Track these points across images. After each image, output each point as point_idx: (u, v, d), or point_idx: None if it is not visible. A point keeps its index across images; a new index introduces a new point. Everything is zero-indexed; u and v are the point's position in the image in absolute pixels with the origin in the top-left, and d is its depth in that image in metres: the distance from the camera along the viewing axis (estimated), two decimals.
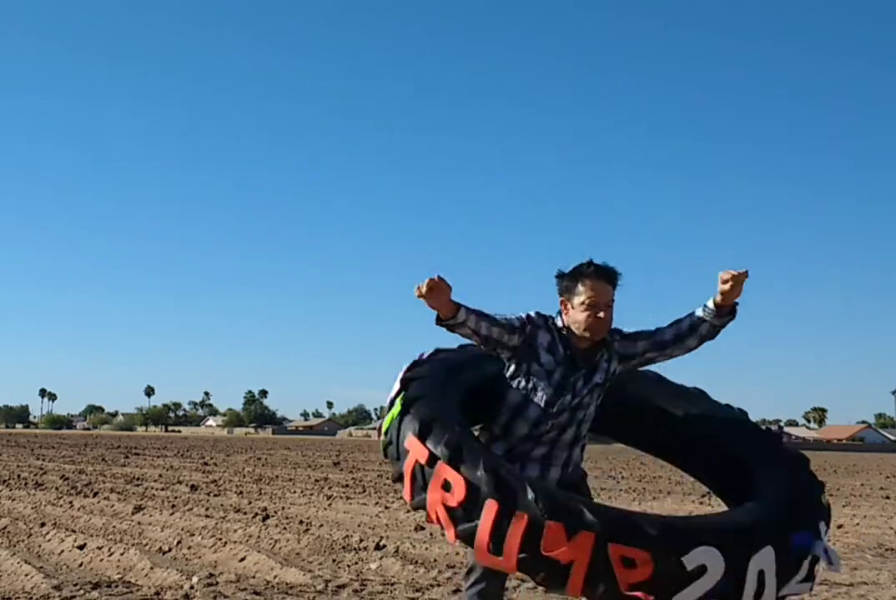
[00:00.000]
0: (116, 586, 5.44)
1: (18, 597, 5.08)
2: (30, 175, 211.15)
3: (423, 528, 8.74)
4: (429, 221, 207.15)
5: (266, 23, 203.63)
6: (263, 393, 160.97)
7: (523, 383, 3.35)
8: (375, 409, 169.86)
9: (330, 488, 14.07)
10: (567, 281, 3.38)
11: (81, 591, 5.22)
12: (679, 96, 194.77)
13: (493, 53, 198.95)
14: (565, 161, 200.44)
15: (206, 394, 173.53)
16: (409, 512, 10.20)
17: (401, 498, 12.11)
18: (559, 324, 3.40)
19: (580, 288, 3.32)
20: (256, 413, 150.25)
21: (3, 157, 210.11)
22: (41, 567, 6.05)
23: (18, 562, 6.12)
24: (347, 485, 14.83)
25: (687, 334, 3.35)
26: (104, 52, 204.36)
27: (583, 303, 3.31)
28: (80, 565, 6.52)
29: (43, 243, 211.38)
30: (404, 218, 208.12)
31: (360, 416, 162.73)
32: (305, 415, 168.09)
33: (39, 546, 7.32)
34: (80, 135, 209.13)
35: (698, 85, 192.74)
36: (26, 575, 5.76)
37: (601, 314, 3.30)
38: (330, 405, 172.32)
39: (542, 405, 3.32)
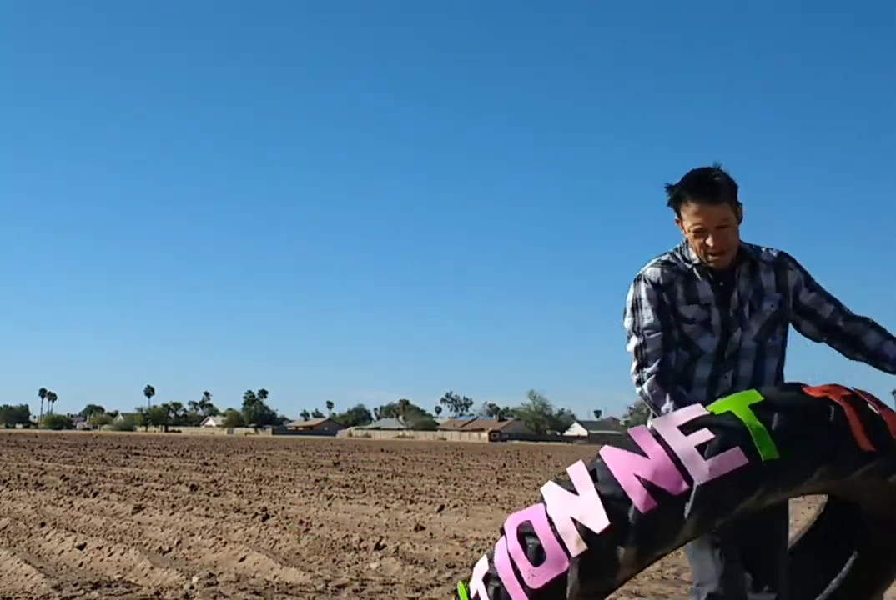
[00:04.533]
0: (116, 586, 5.44)
1: (18, 597, 5.08)
2: (30, 177, 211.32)
3: (422, 528, 8.74)
4: (427, 224, 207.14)
5: (266, 34, 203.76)
6: (263, 393, 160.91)
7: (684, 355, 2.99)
8: (375, 409, 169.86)
9: (330, 488, 14.07)
10: (671, 200, 2.96)
11: (81, 591, 5.22)
12: (681, 110, 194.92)
13: (498, 69, 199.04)
14: (566, 172, 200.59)
15: (206, 394, 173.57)
16: (408, 512, 10.20)
17: (401, 497, 12.11)
18: (688, 252, 3.00)
19: (684, 213, 2.93)
20: (256, 413, 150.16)
21: (4, 161, 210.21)
22: (41, 567, 6.05)
23: (18, 562, 6.12)
24: (347, 485, 14.82)
25: (861, 343, 3.03)
26: (100, 61, 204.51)
27: (690, 229, 2.92)
28: (80, 565, 6.52)
29: (42, 244, 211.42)
30: (403, 221, 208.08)
31: (359, 416, 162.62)
32: (305, 415, 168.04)
33: (39, 546, 7.32)
34: (81, 141, 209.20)
35: (699, 100, 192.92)
36: (26, 575, 5.76)
37: (709, 241, 2.88)
38: (330, 405, 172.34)
39: (710, 364, 2.97)
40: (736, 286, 2.97)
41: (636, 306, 3.00)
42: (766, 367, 3.00)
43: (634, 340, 2.98)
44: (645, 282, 3.00)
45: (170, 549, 7.20)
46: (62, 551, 7.00)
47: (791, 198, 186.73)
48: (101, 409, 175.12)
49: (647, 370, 2.98)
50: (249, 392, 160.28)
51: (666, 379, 2.95)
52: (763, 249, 3.04)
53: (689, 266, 3.00)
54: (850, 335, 3.06)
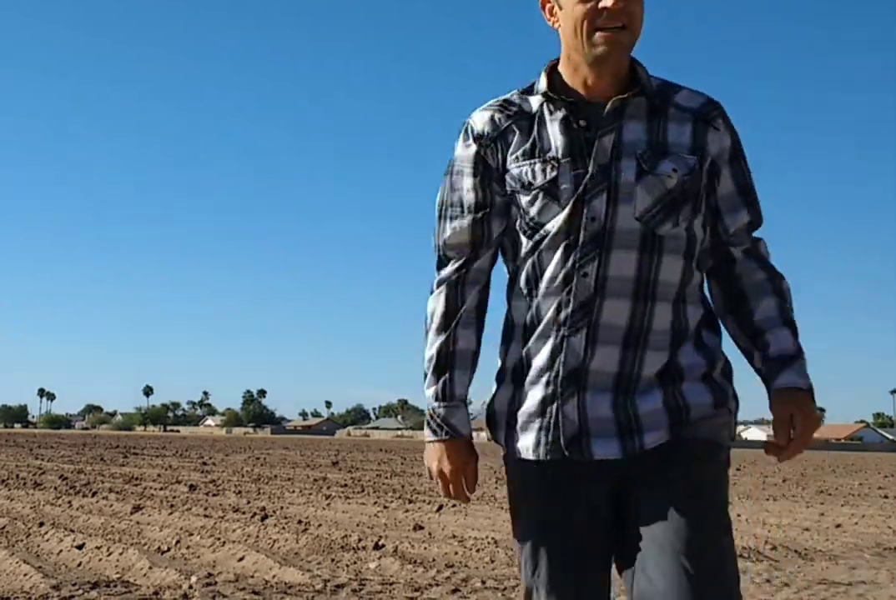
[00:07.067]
0: (115, 586, 5.44)
1: (17, 597, 5.08)
2: (27, 175, 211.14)
3: (421, 528, 8.75)
4: (426, 224, 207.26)
5: (264, 21, 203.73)
6: (262, 392, 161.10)
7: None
8: (374, 409, 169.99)
9: (328, 488, 14.06)
10: None
11: (80, 591, 5.22)
12: None
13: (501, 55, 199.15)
14: None
15: (205, 393, 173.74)
16: (407, 511, 10.20)
17: (399, 497, 12.11)
18: (539, 83, 1.87)
19: None
20: (255, 412, 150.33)
21: (6, 163, 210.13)
22: (40, 566, 6.04)
23: (17, 562, 6.11)
24: (346, 485, 14.83)
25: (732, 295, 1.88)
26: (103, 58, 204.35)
27: None
28: (79, 565, 6.51)
29: (41, 244, 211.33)
30: (402, 220, 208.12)
31: (358, 416, 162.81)
32: (304, 415, 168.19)
33: (38, 545, 7.32)
34: (79, 144, 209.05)
35: None
36: (25, 574, 5.76)
37: (607, 1, 1.75)
38: (328, 405, 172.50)
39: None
40: (613, 129, 1.79)
41: (449, 171, 1.94)
42: (661, 270, 1.78)
43: (436, 225, 1.95)
44: (466, 134, 1.91)
45: (168, 549, 7.20)
46: (61, 551, 7.00)
47: (794, 195, 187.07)
48: (99, 409, 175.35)
49: (439, 275, 1.94)
50: (248, 391, 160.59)
51: (449, 307, 1.90)
52: (684, 90, 1.88)
53: (538, 99, 1.85)
54: (739, 285, 1.87)
